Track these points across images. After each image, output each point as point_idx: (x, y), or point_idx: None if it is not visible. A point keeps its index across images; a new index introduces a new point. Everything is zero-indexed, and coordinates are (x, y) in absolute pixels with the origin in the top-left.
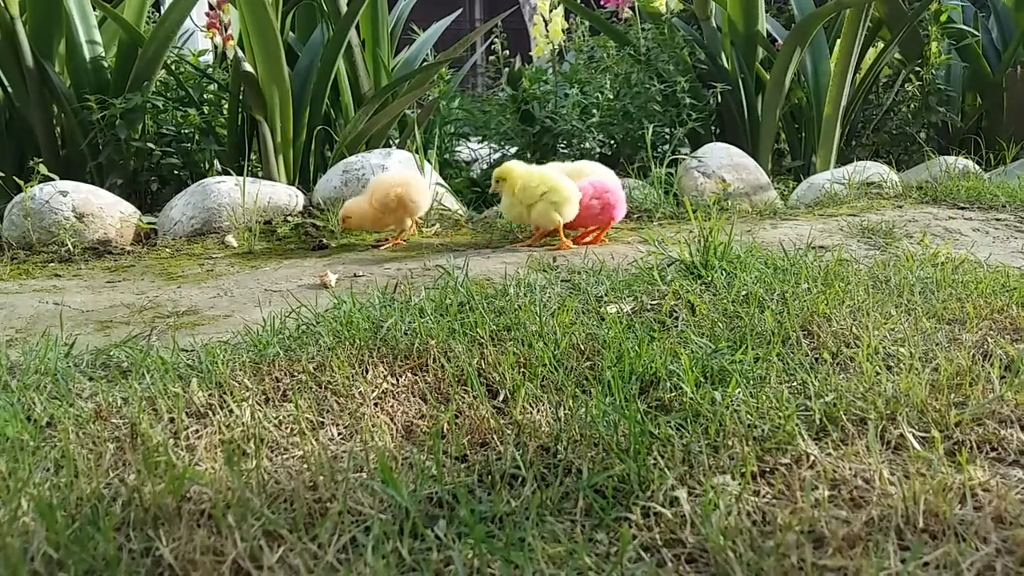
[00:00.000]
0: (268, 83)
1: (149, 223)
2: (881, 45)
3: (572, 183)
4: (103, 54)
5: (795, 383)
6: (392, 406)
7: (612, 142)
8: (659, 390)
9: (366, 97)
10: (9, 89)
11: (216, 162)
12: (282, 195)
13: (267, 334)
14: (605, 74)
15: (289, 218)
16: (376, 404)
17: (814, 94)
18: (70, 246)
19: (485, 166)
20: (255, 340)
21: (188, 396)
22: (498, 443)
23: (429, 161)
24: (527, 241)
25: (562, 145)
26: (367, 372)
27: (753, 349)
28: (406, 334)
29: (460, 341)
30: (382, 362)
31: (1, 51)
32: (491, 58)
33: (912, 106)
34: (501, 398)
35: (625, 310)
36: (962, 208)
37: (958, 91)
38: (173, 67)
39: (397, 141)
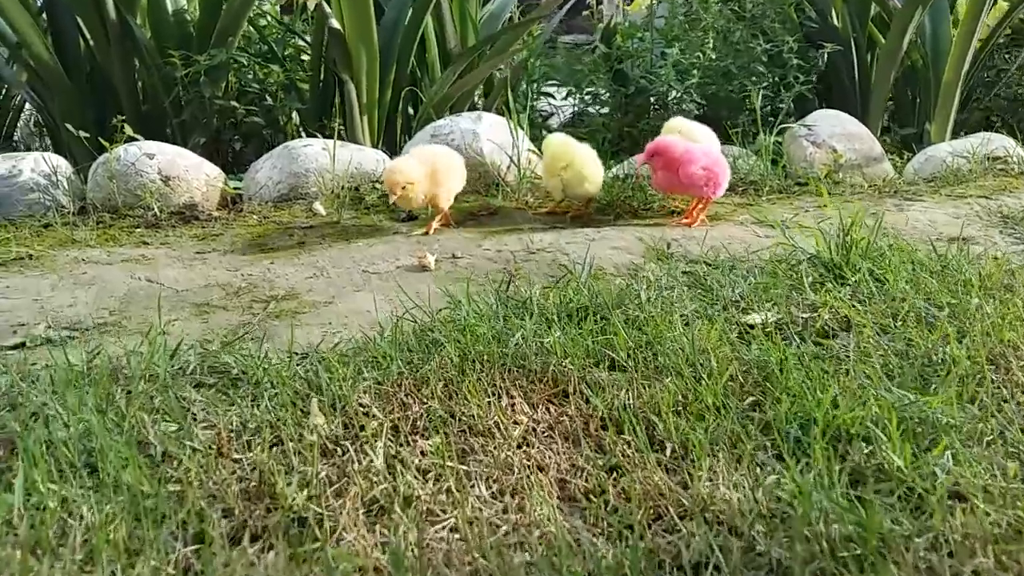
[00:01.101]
0: (355, 40)
1: (235, 187)
2: (1006, 4)
3: (596, 161)
4: (186, 7)
5: (1010, 442)
6: (540, 451)
7: (709, 105)
8: (851, 449)
9: (452, 54)
10: (91, 42)
11: (299, 121)
12: (370, 160)
13: (385, 345)
14: (706, 32)
15: (377, 185)
16: (521, 447)
17: (932, 57)
18: (156, 210)
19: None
20: (374, 351)
21: (311, 425)
22: (675, 516)
23: (522, 127)
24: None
25: (655, 106)
26: (501, 399)
27: (943, 389)
28: (537, 354)
29: (601, 366)
30: (515, 386)
31: (83, 3)
32: (584, 12)
33: None
34: (668, 452)
35: (769, 320)
36: None
37: None
38: (256, 21)
39: (482, 102)
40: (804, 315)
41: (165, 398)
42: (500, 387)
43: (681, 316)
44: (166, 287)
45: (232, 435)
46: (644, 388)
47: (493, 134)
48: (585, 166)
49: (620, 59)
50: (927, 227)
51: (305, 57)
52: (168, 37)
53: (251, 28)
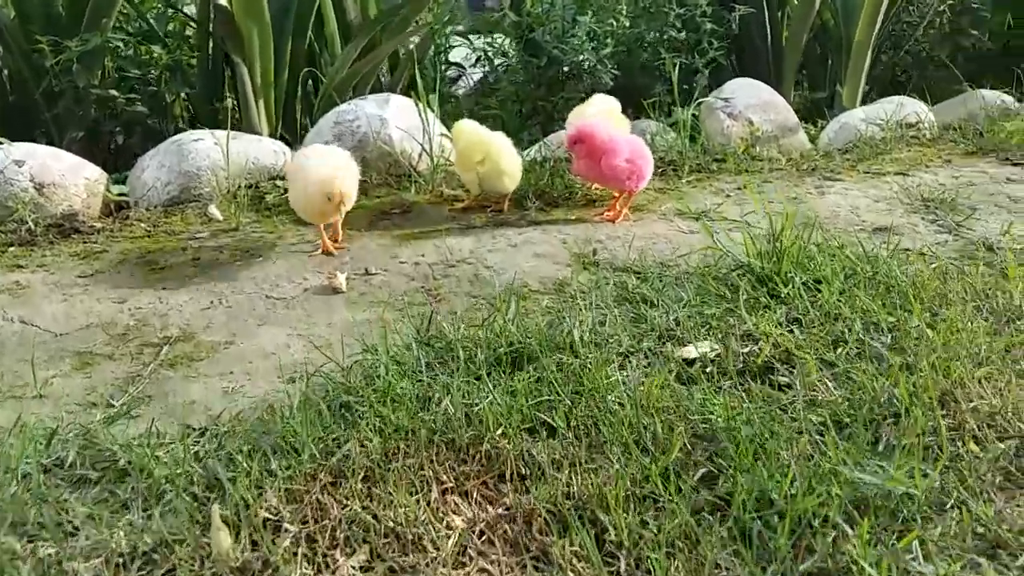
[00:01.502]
0: (244, 15)
1: (120, 193)
2: None
3: (513, 153)
4: None
5: (975, 516)
6: (480, 567)
7: (624, 74)
8: (815, 542)
9: (353, 26)
10: None
11: (187, 107)
12: (268, 153)
13: (294, 422)
14: None
15: (277, 182)
16: (457, 564)
17: (843, 15)
18: (31, 224)
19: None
20: (282, 428)
21: (214, 549)
22: None
23: (431, 108)
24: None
25: (569, 76)
26: (431, 491)
27: (899, 451)
28: (468, 423)
29: (538, 435)
30: (446, 470)
31: None
32: None
33: (941, 26)
34: (623, 565)
35: (708, 355)
36: (1018, 164)
37: (988, 9)
38: None
39: (387, 79)
40: (743, 349)
41: (40, 509)
42: (429, 475)
43: (618, 354)
44: (42, 330)
45: (121, 564)
46: (588, 472)
47: (402, 119)
48: (502, 159)
49: (531, 27)
50: (850, 215)
51: (190, 34)
52: (34, 18)
53: (127, 4)
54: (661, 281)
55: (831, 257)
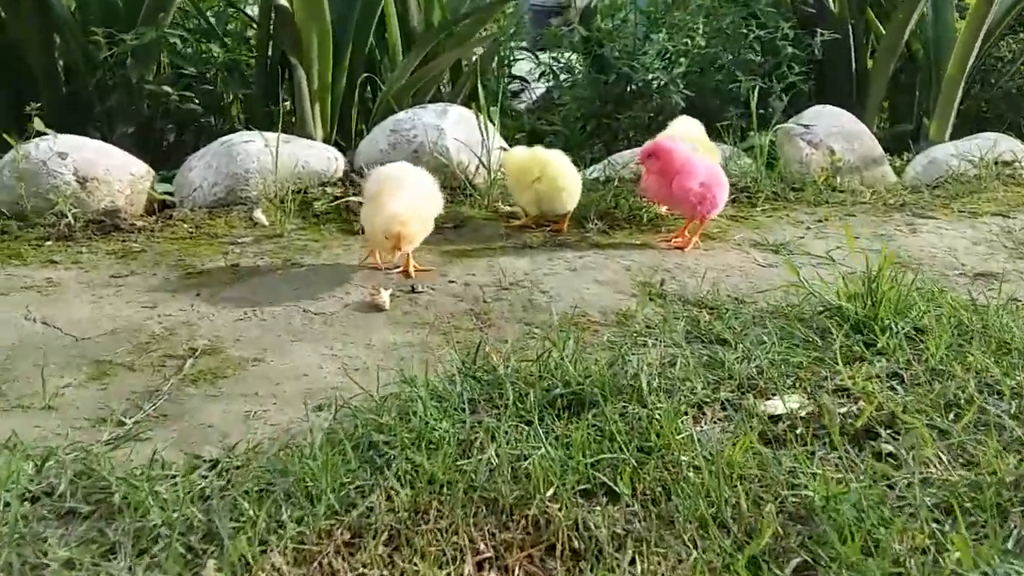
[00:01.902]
0: (305, 18)
1: (164, 191)
2: None
3: (573, 171)
4: None
5: None
6: None
7: (696, 95)
8: None
9: (416, 33)
10: (1, 15)
11: (243, 108)
12: (320, 158)
13: (314, 464)
14: (695, 15)
15: (327, 189)
16: None
17: (934, 47)
18: (71, 219)
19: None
20: (300, 470)
21: None
22: None
23: (492, 121)
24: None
25: (637, 95)
26: (463, 560)
27: None
28: (513, 474)
29: (596, 499)
30: (483, 534)
31: None
32: None
33: None
34: None
35: (797, 411)
36: None
37: None
38: None
39: (448, 90)
40: (840, 408)
41: (13, 549)
42: (463, 541)
43: (691, 404)
44: (64, 333)
45: None
46: (657, 555)
47: (460, 130)
48: (559, 176)
49: (600, 43)
50: (947, 256)
51: (251, 34)
52: (93, 10)
53: (188, 1)
54: (738, 319)
55: (934, 304)
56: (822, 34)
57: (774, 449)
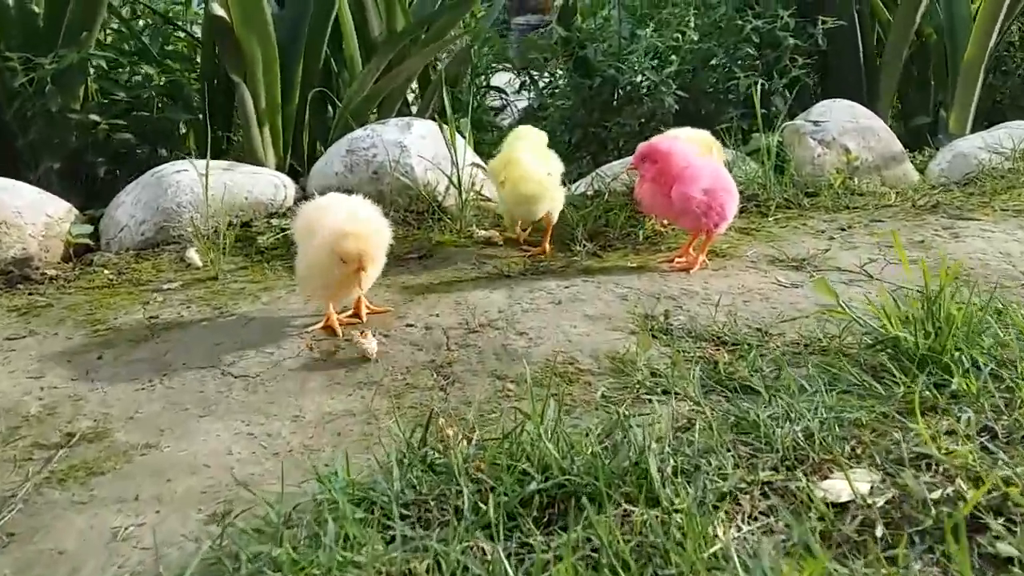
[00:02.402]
0: (245, 28)
1: (80, 235)
2: None
3: (538, 174)
4: None
5: None
6: None
7: (689, 96)
8: None
9: (377, 44)
10: None
11: (185, 136)
12: (265, 186)
13: None
14: (685, 7)
15: (273, 220)
16: None
17: (948, 29)
18: None
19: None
20: None
21: None
22: None
23: (462, 133)
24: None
25: (626, 99)
26: None
27: None
28: None
29: None
30: None
31: None
32: None
33: None
34: None
35: (868, 497)
36: None
37: None
38: (124, 10)
39: (416, 103)
40: (928, 488)
41: None
42: None
43: (720, 495)
44: None
45: None
46: None
47: (427, 147)
48: (523, 181)
49: (582, 44)
50: (1003, 265)
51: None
52: (10, 32)
53: (118, 19)
54: (765, 358)
55: (1006, 325)
56: (824, 22)
57: (849, 562)
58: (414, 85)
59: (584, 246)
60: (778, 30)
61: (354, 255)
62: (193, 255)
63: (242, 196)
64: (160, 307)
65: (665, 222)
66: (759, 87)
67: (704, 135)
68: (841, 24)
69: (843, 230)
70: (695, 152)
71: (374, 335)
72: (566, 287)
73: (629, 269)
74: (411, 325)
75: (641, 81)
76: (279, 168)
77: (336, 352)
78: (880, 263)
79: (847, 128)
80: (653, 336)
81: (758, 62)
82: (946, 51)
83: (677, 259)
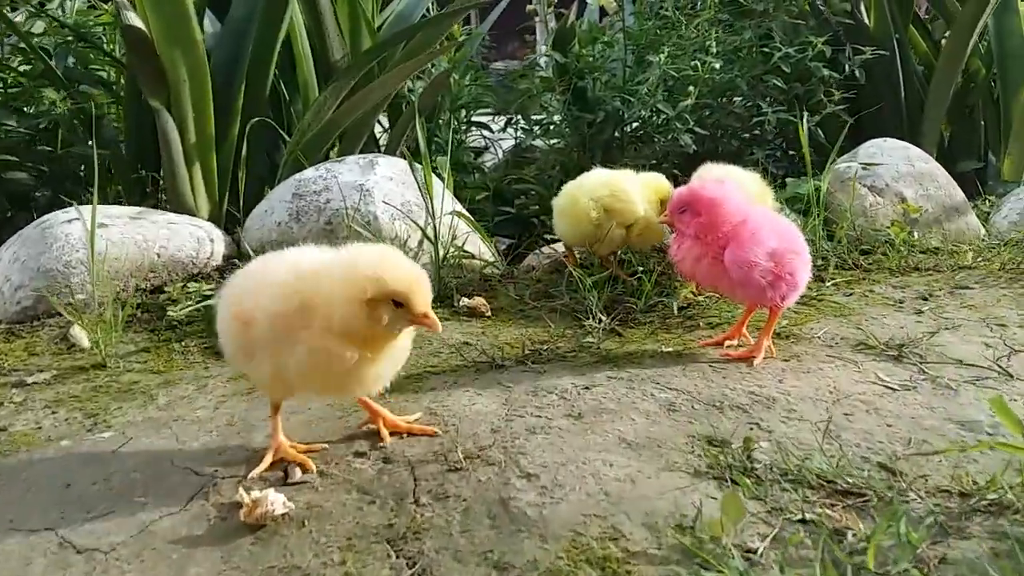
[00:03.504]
0: (168, 45)
1: None
2: None
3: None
4: None
5: None
6: None
7: (708, 133)
8: None
9: (338, 69)
10: None
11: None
12: (184, 239)
13: None
14: (707, 31)
15: (192, 284)
16: None
17: (999, 63)
18: None
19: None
20: None
21: None
22: None
23: (440, 175)
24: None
25: (627, 137)
26: None
27: None
28: None
29: None
30: None
31: None
32: (529, 7)
33: None
34: None
35: None
36: None
37: None
38: (20, 22)
39: (385, 137)
40: None
41: None
42: None
43: None
44: None
45: None
46: None
47: (394, 191)
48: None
49: (580, 74)
50: None
51: (121, 80)
52: None
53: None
54: (911, 524)
55: None
56: (860, 51)
57: None
58: (383, 119)
59: (599, 320)
60: (809, 60)
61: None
62: (79, 333)
63: (153, 253)
64: (14, 412)
65: (695, 287)
66: (783, 125)
67: (755, 178)
68: (882, 54)
69: (925, 300)
70: (746, 198)
71: (286, 480)
72: (585, 388)
73: (665, 357)
74: (361, 455)
75: (651, 116)
76: (213, 217)
77: (250, 507)
78: (998, 347)
79: (902, 172)
80: (733, 482)
81: (784, 96)
82: (995, 87)
83: (727, 340)
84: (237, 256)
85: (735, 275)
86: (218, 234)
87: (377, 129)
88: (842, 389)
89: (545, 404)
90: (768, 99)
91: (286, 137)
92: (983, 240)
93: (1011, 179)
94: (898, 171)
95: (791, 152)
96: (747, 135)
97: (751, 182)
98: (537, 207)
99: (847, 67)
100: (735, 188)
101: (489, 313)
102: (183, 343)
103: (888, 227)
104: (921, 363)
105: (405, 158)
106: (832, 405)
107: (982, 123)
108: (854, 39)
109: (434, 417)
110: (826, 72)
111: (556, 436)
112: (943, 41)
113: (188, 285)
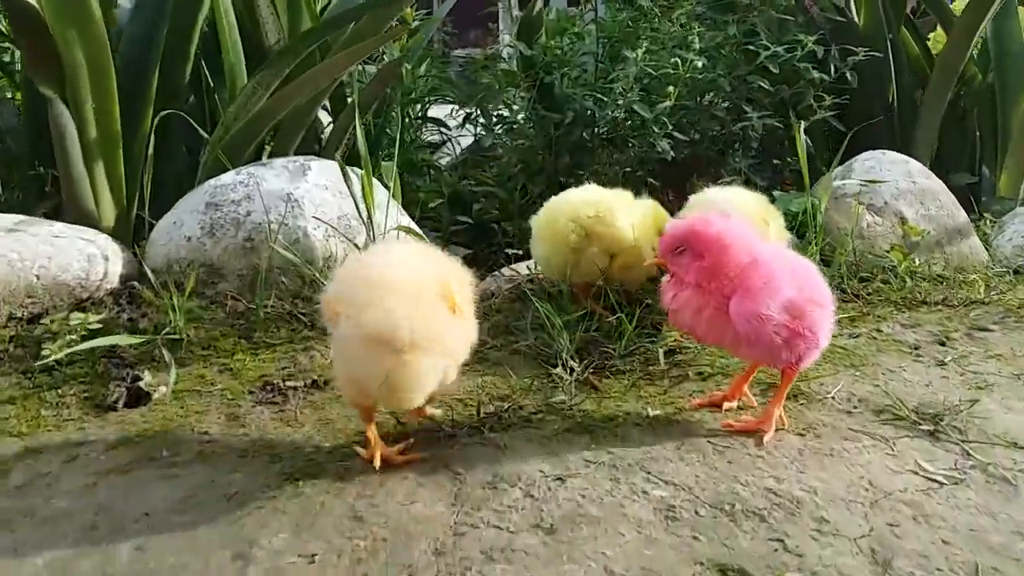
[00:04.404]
0: (63, 25)
1: None
2: None
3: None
4: None
5: None
6: None
7: (686, 139)
8: None
9: (272, 54)
10: None
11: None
12: (72, 257)
13: None
14: (688, 25)
15: (77, 314)
16: None
17: (997, 69)
18: None
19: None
20: None
21: None
22: None
23: (385, 182)
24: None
25: (599, 140)
26: None
27: None
28: None
29: None
30: None
31: None
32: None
33: None
34: None
35: None
36: None
37: None
38: None
39: (325, 133)
40: None
41: None
42: None
43: None
44: None
45: None
46: None
47: (329, 201)
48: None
49: (548, 68)
50: None
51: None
52: None
53: None
54: None
55: None
56: (854, 52)
57: None
58: (325, 116)
59: (572, 369)
60: (796, 60)
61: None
62: None
63: (31, 274)
64: None
65: (679, 334)
66: (776, 132)
67: (762, 201)
68: (875, 55)
69: (943, 344)
70: (756, 234)
71: None
72: (558, 479)
73: (654, 426)
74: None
75: (625, 118)
76: (119, 226)
77: None
78: None
79: (902, 189)
80: None
81: (770, 99)
82: (995, 95)
83: (726, 402)
84: (138, 275)
85: (742, 330)
86: (115, 249)
87: (327, 121)
88: (879, 484)
89: (507, 506)
90: (752, 103)
91: (204, 134)
92: (988, 267)
93: (1007, 195)
94: (898, 188)
95: (775, 161)
96: (728, 142)
97: (757, 206)
98: (497, 211)
99: (835, 69)
100: (742, 222)
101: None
102: (59, 391)
103: (888, 251)
104: (963, 441)
105: (339, 164)
106: (871, 510)
107: (979, 133)
108: (842, 39)
109: (357, 526)
110: (816, 74)
111: (521, 567)
112: (931, 39)
113: (72, 316)
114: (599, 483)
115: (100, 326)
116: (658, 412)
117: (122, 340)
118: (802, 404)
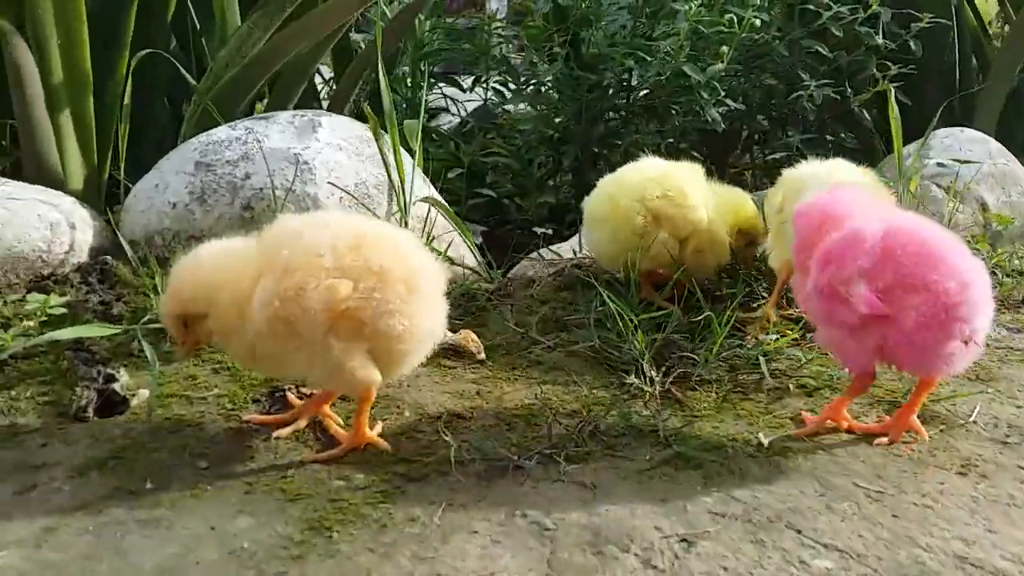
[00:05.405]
0: None
1: None
2: None
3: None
4: None
5: None
6: None
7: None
8: None
9: None
10: None
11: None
12: (31, 224)
13: None
14: None
15: (32, 297)
16: None
17: None
18: None
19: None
20: None
21: None
22: None
23: (409, 147)
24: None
25: (642, 108)
26: None
27: None
28: None
29: None
30: None
31: None
32: None
33: None
34: None
35: None
36: None
37: None
38: None
39: (329, 88)
40: None
41: None
42: None
43: None
44: None
45: None
46: None
47: (344, 163)
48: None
49: (584, 21)
50: None
51: None
52: None
53: None
54: None
55: None
56: (918, 19)
57: None
58: (327, 71)
59: (650, 380)
60: (857, 26)
61: None
62: None
63: None
64: None
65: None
66: (814, 101)
67: (870, 175)
68: (939, 22)
69: None
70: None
71: None
72: (682, 541)
73: (772, 456)
74: None
75: (667, 81)
76: (88, 189)
77: None
78: None
79: (983, 172)
80: None
81: (827, 67)
82: None
83: (842, 402)
84: (114, 247)
85: (918, 340)
86: (83, 216)
87: (318, 80)
88: None
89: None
90: (807, 69)
91: (191, 80)
92: None
93: None
94: (981, 169)
95: (828, 138)
96: (779, 112)
97: (875, 188)
98: (512, 186)
99: (896, 36)
100: (865, 197)
101: (482, 355)
102: (11, 393)
103: (971, 241)
104: None
105: (366, 118)
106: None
107: None
108: (901, 3)
109: None
110: (880, 41)
111: None
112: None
113: (29, 297)
114: (739, 548)
115: (65, 310)
116: (772, 438)
117: (92, 332)
118: (942, 430)
